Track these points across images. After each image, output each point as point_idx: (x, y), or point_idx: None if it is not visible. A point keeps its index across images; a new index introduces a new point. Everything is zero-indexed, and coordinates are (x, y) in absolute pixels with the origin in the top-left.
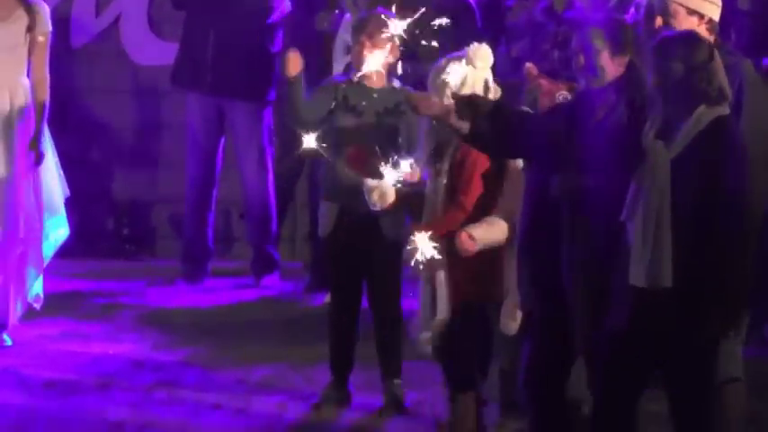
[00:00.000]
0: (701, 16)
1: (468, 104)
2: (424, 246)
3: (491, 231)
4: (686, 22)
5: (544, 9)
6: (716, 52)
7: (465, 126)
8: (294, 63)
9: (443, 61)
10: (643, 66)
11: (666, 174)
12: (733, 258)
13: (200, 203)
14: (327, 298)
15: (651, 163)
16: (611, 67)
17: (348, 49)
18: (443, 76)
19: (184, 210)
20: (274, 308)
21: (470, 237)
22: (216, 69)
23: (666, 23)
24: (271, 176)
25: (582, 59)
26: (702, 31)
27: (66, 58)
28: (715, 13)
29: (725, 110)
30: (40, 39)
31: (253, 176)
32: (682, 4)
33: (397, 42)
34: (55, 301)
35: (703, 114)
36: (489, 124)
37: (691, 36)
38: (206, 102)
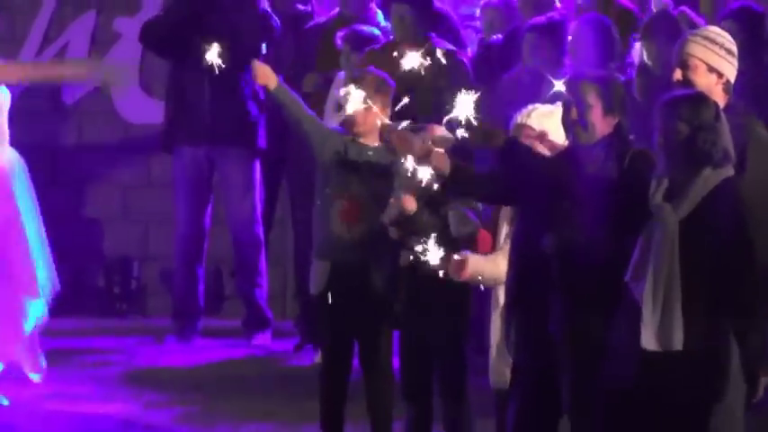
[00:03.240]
0: (720, 75)
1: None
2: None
3: (487, 266)
4: (705, 79)
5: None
6: (721, 113)
7: (446, 169)
8: (262, 73)
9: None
10: (629, 127)
11: (676, 237)
12: (745, 320)
13: (190, 260)
14: (318, 356)
15: (660, 225)
16: (601, 124)
17: (339, 107)
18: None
19: (174, 266)
20: (265, 366)
21: (463, 262)
22: (209, 119)
23: (685, 78)
24: (261, 230)
25: (574, 113)
26: (719, 89)
27: (57, 115)
28: (732, 73)
29: (729, 171)
30: None
31: (243, 228)
32: (703, 60)
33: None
34: (47, 360)
35: (710, 177)
36: (470, 172)
37: (697, 96)
38: (196, 154)
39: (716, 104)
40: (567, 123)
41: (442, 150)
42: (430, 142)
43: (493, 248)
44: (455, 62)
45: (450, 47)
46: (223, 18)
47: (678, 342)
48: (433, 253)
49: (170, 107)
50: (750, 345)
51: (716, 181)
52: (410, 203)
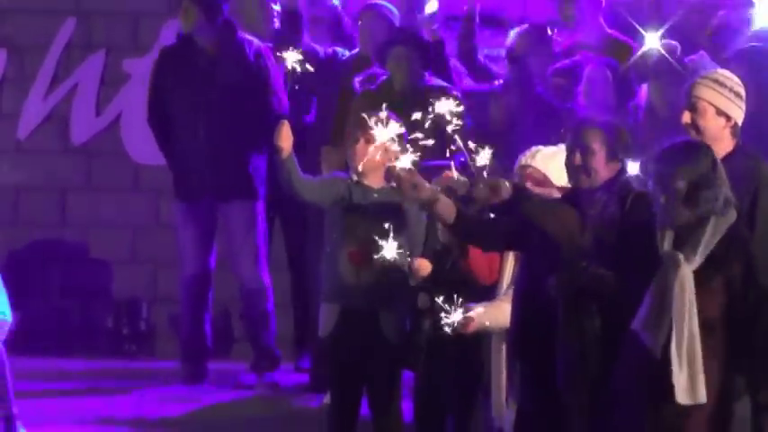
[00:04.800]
0: (728, 118)
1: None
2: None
3: (493, 314)
4: (713, 122)
5: None
6: (717, 161)
7: (450, 216)
8: (285, 134)
9: None
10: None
11: (692, 286)
12: (759, 372)
13: (197, 303)
14: (327, 398)
15: (676, 276)
16: (604, 170)
17: None
18: None
19: (181, 309)
20: (274, 407)
21: (470, 317)
22: (210, 173)
23: (694, 121)
24: (267, 273)
25: (578, 158)
26: (727, 133)
27: (66, 155)
28: (740, 116)
29: (733, 216)
30: None
31: (249, 275)
32: (711, 104)
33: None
34: (56, 402)
35: (716, 224)
36: (475, 220)
37: (692, 147)
38: (199, 206)
39: (712, 153)
40: (571, 168)
41: (447, 200)
42: (438, 188)
43: (490, 274)
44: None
45: (444, 84)
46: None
47: (703, 395)
48: (453, 314)
49: (173, 164)
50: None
51: (723, 229)
52: (424, 268)
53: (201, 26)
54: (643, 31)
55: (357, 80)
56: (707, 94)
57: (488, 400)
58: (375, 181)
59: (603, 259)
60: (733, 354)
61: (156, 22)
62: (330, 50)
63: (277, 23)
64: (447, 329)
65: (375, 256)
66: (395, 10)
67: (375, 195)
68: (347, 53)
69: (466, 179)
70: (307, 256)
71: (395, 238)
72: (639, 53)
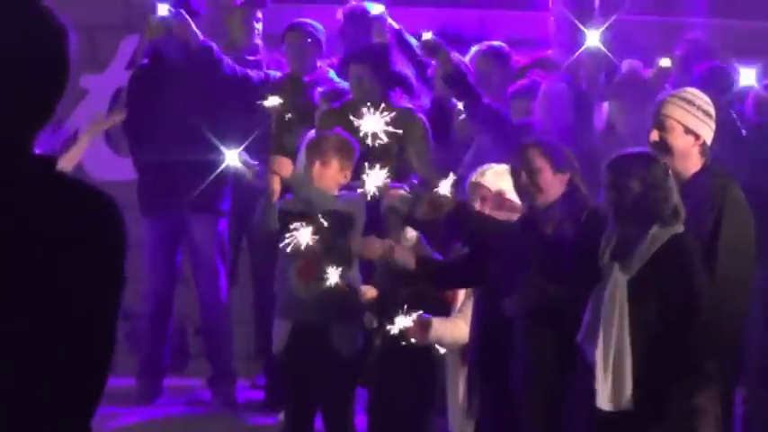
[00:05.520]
0: (697, 137)
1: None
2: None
3: (449, 329)
4: (682, 141)
5: None
6: (670, 172)
7: (411, 261)
8: (285, 165)
9: None
10: (583, 183)
11: (624, 296)
12: (689, 379)
13: (159, 319)
14: (282, 416)
15: (609, 285)
16: (552, 184)
17: None
18: None
19: (142, 326)
20: (230, 424)
21: (426, 326)
22: (173, 188)
23: (662, 139)
24: (225, 289)
25: (524, 178)
26: (695, 151)
27: None
28: (709, 135)
29: (679, 228)
30: None
31: (208, 290)
32: (680, 122)
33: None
34: None
35: (658, 234)
36: (435, 264)
37: (647, 155)
38: (163, 217)
39: (665, 164)
40: (521, 190)
41: (401, 248)
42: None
43: (454, 298)
44: (413, 121)
45: (409, 105)
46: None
47: (628, 402)
48: (399, 322)
49: (139, 176)
50: (692, 405)
51: (664, 238)
52: (370, 293)
53: (166, 38)
54: (584, 29)
55: (318, 92)
56: (676, 112)
57: (443, 418)
58: (325, 195)
59: (561, 275)
60: (666, 361)
61: (113, 37)
62: (262, 73)
63: (259, 41)
64: (397, 333)
65: (323, 281)
66: (320, 27)
67: (323, 209)
68: (277, 74)
69: (409, 197)
70: (269, 272)
71: (344, 253)
72: (583, 50)
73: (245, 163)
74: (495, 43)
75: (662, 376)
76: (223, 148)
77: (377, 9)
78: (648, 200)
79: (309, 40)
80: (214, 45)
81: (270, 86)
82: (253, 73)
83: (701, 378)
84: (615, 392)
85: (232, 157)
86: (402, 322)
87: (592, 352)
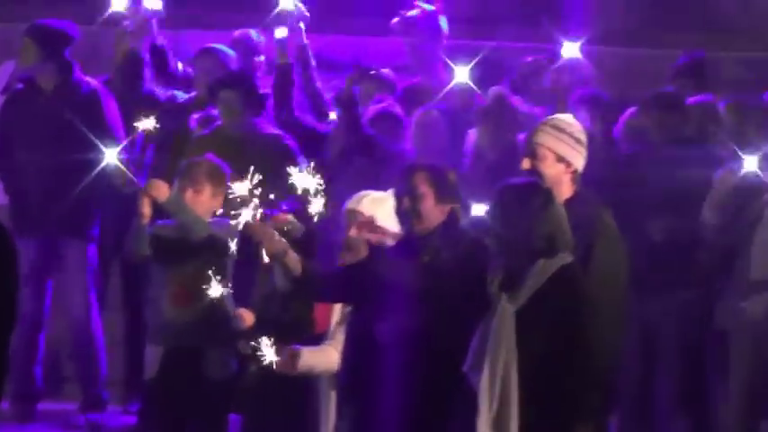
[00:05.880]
0: (569, 164)
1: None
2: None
3: (320, 358)
4: (553, 169)
5: None
6: (555, 201)
7: (297, 268)
8: (161, 188)
9: None
10: (463, 215)
11: (512, 327)
12: (578, 411)
13: (30, 342)
14: None
15: (496, 315)
16: (434, 213)
17: None
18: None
19: (14, 348)
20: None
21: (296, 356)
22: (44, 211)
23: (534, 167)
24: (97, 314)
25: (407, 203)
26: (567, 179)
27: None
28: (580, 163)
29: (567, 258)
30: None
31: (80, 315)
32: (552, 150)
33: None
34: None
35: (546, 265)
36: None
37: (532, 184)
38: (35, 242)
39: (549, 192)
40: (401, 214)
41: (295, 254)
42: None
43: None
44: (280, 146)
45: (277, 132)
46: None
47: None
48: (267, 352)
49: (9, 199)
50: None
51: (551, 271)
52: (247, 318)
53: (40, 65)
54: (453, 65)
55: (194, 118)
56: (547, 140)
57: None
58: (198, 221)
59: (437, 305)
60: (550, 393)
61: None
62: (169, 93)
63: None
64: (267, 365)
65: (202, 295)
66: (231, 52)
67: (196, 235)
68: (185, 95)
69: (300, 224)
70: (142, 297)
71: (219, 279)
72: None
73: (122, 162)
74: (370, 67)
75: (547, 408)
76: (103, 148)
77: (280, 33)
78: (532, 231)
79: (219, 64)
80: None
81: (177, 108)
82: (160, 92)
83: (584, 411)
84: (499, 423)
85: (111, 156)
86: (271, 355)
87: (477, 381)
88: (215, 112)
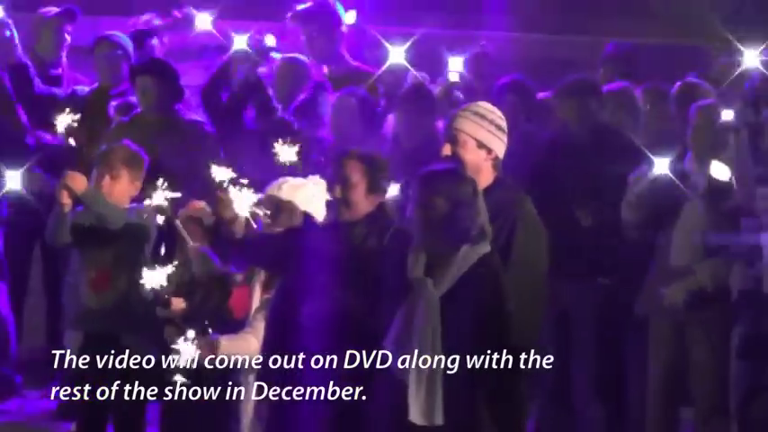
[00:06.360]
0: (489, 151)
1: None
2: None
3: (240, 346)
4: (474, 155)
5: None
6: (478, 190)
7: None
8: (79, 180)
9: None
10: (390, 208)
11: (437, 312)
12: (501, 395)
13: None
14: (73, 426)
15: (423, 301)
16: (364, 203)
17: None
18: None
19: None
20: None
21: (214, 345)
22: None
23: (454, 153)
24: (7, 300)
25: (337, 191)
26: (488, 165)
27: None
28: (501, 149)
29: (486, 248)
30: None
31: None
32: (472, 136)
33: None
34: None
35: (468, 254)
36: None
37: (455, 171)
38: None
39: (473, 181)
40: (330, 201)
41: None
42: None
43: (245, 309)
44: (202, 134)
45: (198, 119)
46: None
47: (439, 417)
48: (184, 348)
49: None
50: (502, 417)
51: (474, 258)
52: (178, 304)
53: None
54: (389, 46)
55: (112, 105)
56: (467, 126)
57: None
58: (115, 209)
59: (361, 290)
60: (475, 375)
61: None
62: (69, 90)
63: (64, 57)
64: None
65: (121, 281)
66: (128, 40)
67: (114, 223)
68: (86, 89)
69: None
70: (62, 283)
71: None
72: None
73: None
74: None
75: (470, 388)
76: (5, 171)
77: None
78: (456, 218)
79: (119, 51)
80: (30, 63)
81: (77, 101)
82: (59, 91)
83: (505, 392)
84: (427, 408)
85: (14, 181)
86: (186, 348)
87: (402, 363)
88: (133, 99)
